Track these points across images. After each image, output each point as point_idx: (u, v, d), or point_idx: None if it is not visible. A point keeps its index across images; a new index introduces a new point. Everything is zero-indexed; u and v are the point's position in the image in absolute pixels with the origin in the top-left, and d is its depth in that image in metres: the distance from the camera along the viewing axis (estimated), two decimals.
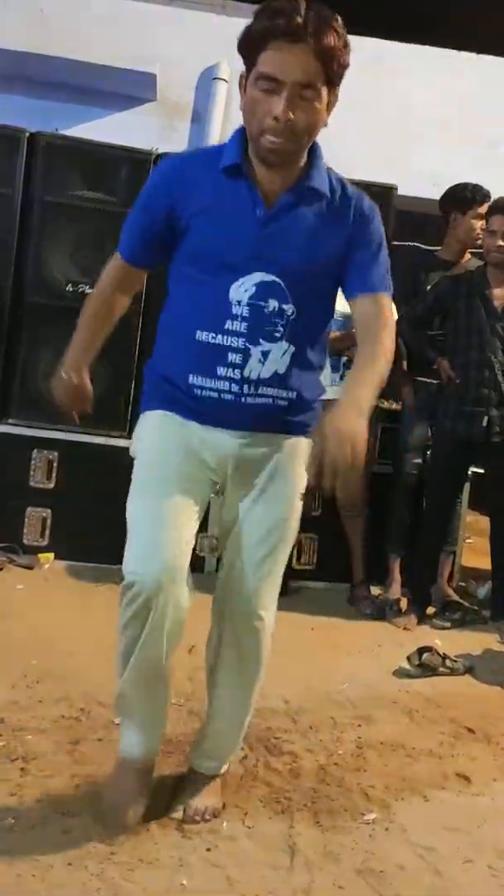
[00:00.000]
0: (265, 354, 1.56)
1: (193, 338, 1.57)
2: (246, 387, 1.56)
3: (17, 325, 3.44)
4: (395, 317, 1.75)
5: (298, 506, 1.67)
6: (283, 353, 1.57)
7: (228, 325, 1.55)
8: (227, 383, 1.57)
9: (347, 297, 1.64)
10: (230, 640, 1.71)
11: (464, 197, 3.46)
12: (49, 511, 3.44)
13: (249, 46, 1.46)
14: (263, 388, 1.58)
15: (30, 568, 3.28)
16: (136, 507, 1.61)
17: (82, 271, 3.45)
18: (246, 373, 1.56)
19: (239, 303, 1.55)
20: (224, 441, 1.61)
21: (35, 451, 3.43)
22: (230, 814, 1.77)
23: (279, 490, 1.65)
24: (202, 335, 1.56)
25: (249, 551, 1.66)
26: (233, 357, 1.55)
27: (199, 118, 4.87)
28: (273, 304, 1.55)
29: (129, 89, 4.69)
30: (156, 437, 1.63)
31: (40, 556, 3.36)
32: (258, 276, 1.55)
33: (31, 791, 1.75)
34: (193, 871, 1.57)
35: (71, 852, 1.57)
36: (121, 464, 3.43)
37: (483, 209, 3.40)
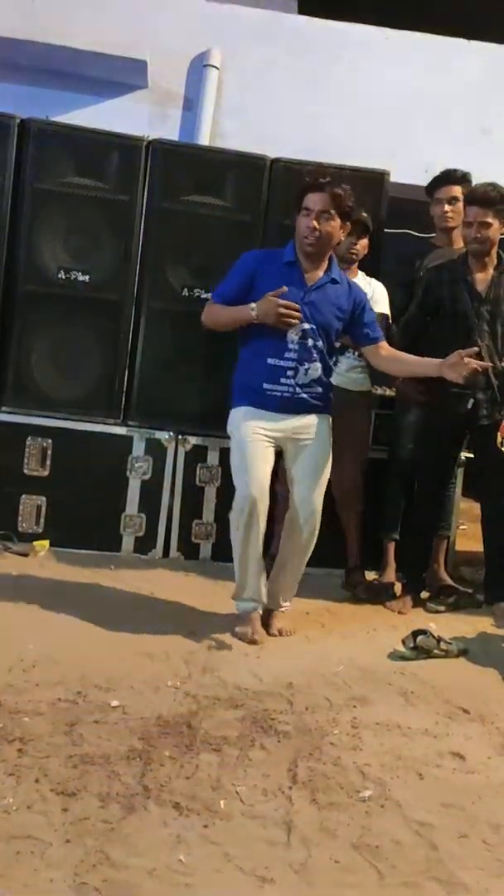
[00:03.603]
0: (307, 370, 2.73)
1: (266, 362, 2.72)
2: (297, 388, 2.73)
3: (9, 312, 3.42)
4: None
5: (330, 451, 2.82)
6: (317, 369, 2.75)
7: (287, 354, 2.71)
8: (287, 388, 2.72)
9: (364, 344, 2.89)
10: (300, 528, 2.79)
11: (431, 182, 3.50)
12: (44, 498, 3.44)
13: (300, 196, 2.71)
14: (307, 389, 2.75)
15: (25, 555, 3.28)
16: (238, 459, 2.72)
17: (74, 258, 3.44)
18: (297, 381, 2.73)
19: (292, 341, 2.71)
20: (286, 420, 2.74)
21: (29, 438, 3.42)
22: (227, 792, 1.78)
23: (320, 444, 2.79)
24: (271, 360, 2.72)
25: (308, 479, 2.79)
26: (290, 373, 2.72)
27: (191, 105, 4.86)
28: (311, 341, 2.73)
29: (120, 76, 4.67)
30: (245, 422, 2.72)
31: (35, 543, 3.36)
32: (304, 326, 2.70)
33: (28, 772, 1.76)
34: (191, 847, 1.58)
35: (69, 830, 1.58)
36: (115, 450, 3.48)
37: (445, 192, 3.44)
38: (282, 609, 2.88)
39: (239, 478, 2.70)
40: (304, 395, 2.73)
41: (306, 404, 2.75)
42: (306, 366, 2.72)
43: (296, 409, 2.74)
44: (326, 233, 2.67)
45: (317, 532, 2.82)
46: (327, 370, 2.79)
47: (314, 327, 2.71)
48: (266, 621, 2.81)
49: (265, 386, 2.71)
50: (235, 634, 2.68)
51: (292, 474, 2.81)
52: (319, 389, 2.77)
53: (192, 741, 1.97)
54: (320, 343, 2.73)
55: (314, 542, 2.83)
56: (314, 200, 2.66)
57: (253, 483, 2.66)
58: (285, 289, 2.65)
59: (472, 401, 3.15)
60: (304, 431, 2.76)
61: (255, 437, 2.70)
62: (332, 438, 2.83)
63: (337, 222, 2.69)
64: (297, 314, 2.66)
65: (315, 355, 2.73)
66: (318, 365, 2.74)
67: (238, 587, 2.77)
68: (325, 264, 2.77)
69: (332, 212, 2.66)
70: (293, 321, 2.66)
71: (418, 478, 3.41)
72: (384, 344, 2.88)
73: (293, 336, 2.69)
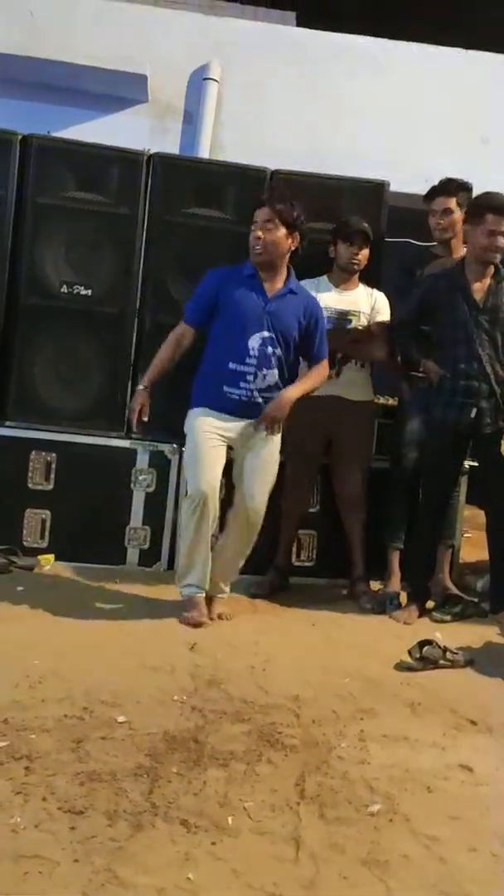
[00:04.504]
0: (265, 376, 2.93)
1: (227, 366, 2.92)
2: (255, 392, 2.93)
3: (12, 326, 3.43)
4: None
5: (278, 455, 3.04)
6: (274, 375, 2.95)
7: (247, 360, 2.91)
8: (245, 391, 2.92)
9: (309, 360, 3.08)
10: (243, 525, 3.01)
11: (427, 193, 3.51)
12: (48, 512, 3.44)
13: (252, 213, 2.97)
14: (264, 393, 2.94)
15: (30, 570, 3.28)
16: (191, 458, 2.94)
17: (76, 272, 3.45)
18: (255, 385, 2.93)
19: (253, 348, 2.91)
20: (240, 423, 2.94)
21: (33, 452, 3.42)
22: (234, 808, 1.77)
23: (268, 449, 3.00)
24: (232, 365, 2.91)
25: (255, 480, 2.99)
26: (249, 377, 2.92)
27: (191, 118, 4.89)
28: (270, 349, 2.93)
29: (120, 91, 4.70)
30: (201, 422, 2.93)
31: (40, 557, 3.36)
32: (264, 334, 2.92)
33: (35, 789, 1.76)
34: (199, 865, 1.58)
35: (77, 849, 1.58)
36: (118, 463, 3.48)
37: (438, 204, 3.45)
38: (222, 595, 3.08)
39: (192, 475, 2.93)
40: (260, 400, 2.93)
41: (261, 408, 2.94)
42: (264, 371, 2.92)
43: (251, 413, 2.93)
44: (271, 241, 2.90)
45: (259, 526, 3.04)
46: (283, 377, 2.97)
47: (273, 336, 2.92)
48: (207, 607, 2.99)
49: (225, 388, 2.91)
50: (183, 619, 2.87)
51: (240, 470, 3.00)
52: (275, 395, 2.95)
53: (199, 756, 1.97)
54: (279, 351, 2.93)
55: (256, 534, 3.06)
56: (258, 214, 2.94)
57: (204, 481, 2.87)
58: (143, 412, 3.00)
59: (475, 409, 3.15)
60: (257, 435, 2.97)
61: (209, 437, 2.91)
62: (279, 444, 3.03)
63: (282, 232, 2.90)
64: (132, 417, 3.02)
65: (273, 362, 2.93)
66: (276, 372, 2.94)
67: (181, 574, 2.99)
68: (283, 275, 3.00)
69: (276, 222, 2.89)
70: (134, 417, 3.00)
71: (422, 487, 3.41)
72: (323, 363, 3.08)
73: (254, 343, 2.90)
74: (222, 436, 2.93)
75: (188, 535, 2.93)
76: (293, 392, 2.96)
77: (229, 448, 2.97)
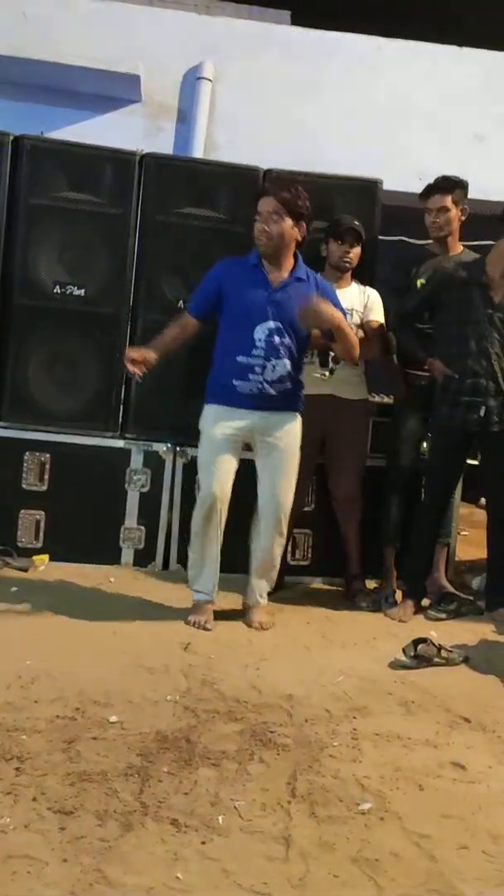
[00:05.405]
0: (274, 367, 2.87)
1: (235, 359, 2.87)
2: (265, 384, 2.86)
3: (5, 327, 3.43)
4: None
5: (298, 449, 2.95)
6: (284, 365, 2.89)
7: (254, 352, 2.86)
8: (255, 384, 2.87)
9: (331, 339, 2.95)
10: (268, 524, 2.97)
11: (423, 191, 3.47)
12: (42, 513, 3.43)
13: (254, 203, 2.89)
14: (275, 385, 2.88)
15: (24, 570, 3.28)
16: (204, 458, 2.93)
17: (69, 272, 3.45)
18: (265, 377, 2.87)
19: (259, 339, 2.86)
20: (254, 416, 2.89)
21: (27, 453, 3.42)
22: (225, 807, 1.77)
23: (287, 444, 2.94)
24: (240, 358, 2.86)
25: (275, 477, 2.95)
26: (258, 369, 2.86)
27: (185, 118, 4.89)
28: (278, 339, 2.87)
29: (114, 91, 4.70)
30: (214, 423, 2.90)
31: (35, 558, 3.36)
32: (270, 324, 2.86)
33: (26, 790, 1.75)
34: (189, 864, 1.57)
35: (66, 849, 1.57)
36: (113, 463, 3.48)
37: (433, 203, 3.41)
38: (260, 603, 3.03)
39: (204, 475, 2.92)
40: (273, 392, 2.87)
41: (274, 400, 2.89)
42: (273, 362, 2.86)
43: (264, 405, 2.88)
44: (277, 233, 2.83)
45: (285, 528, 3.01)
46: (296, 367, 2.94)
47: (280, 325, 2.85)
48: (247, 616, 2.99)
49: (234, 382, 2.86)
50: (188, 622, 2.88)
51: (260, 471, 2.97)
52: (288, 385, 2.91)
53: (191, 756, 1.97)
54: (287, 340, 2.87)
55: (284, 538, 3.04)
56: (262, 205, 2.85)
57: (215, 482, 2.86)
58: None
59: (484, 408, 3.13)
60: (273, 430, 2.91)
61: (222, 437, 2.88)
62: (300, 438, 2.96)
63: (288, 222, 2.83)
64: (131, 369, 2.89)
65: (283, 352, 2.87)
66: (287, 362, 2.88)
67: (192, 578, 2.99)
68: (289, 264, 2.93)
69: (282, 213, 2.81)
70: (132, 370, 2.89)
71: (424, 486, 3.39)
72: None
73: (260, 334, 2.84)
74: (237, 434, 2.89)
75: (198, 540, 2.95)
76: (343, 319, 2.86)
77: (247, 446, 2.95)
